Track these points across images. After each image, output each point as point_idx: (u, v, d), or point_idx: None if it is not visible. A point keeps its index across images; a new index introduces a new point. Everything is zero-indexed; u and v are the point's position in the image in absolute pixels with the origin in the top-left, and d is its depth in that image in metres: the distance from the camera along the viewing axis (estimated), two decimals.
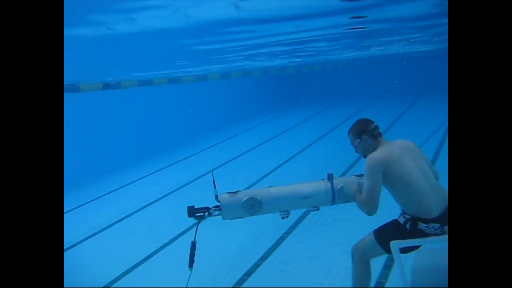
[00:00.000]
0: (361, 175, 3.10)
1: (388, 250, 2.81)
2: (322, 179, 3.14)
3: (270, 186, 3.15)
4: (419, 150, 3.01)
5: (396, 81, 18.48)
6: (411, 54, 17.08)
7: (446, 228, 2.73)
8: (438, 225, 2.72)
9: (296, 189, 3.09)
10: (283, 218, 3.12)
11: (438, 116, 11.72)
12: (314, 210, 3.17)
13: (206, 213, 3.06)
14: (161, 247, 5.51)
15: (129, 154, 11.24)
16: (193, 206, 3.06)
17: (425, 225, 2.74)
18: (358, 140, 3.02)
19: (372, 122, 3.06)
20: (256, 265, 4.69)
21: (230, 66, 11.07)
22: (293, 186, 3.12)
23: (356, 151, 3.11)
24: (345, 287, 3.42)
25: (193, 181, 8.59)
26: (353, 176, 3.15)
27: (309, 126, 13.87)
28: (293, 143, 11.08)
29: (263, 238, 5.31)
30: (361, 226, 5.31)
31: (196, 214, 3.05)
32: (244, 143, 11.96)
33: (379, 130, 3.05)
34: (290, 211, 3.11)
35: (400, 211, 2.96)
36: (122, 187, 9.11)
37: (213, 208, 3.07)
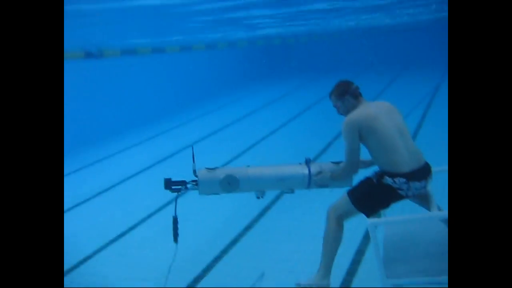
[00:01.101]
0: (338, 162, 3.16)
1: (359, 207, 2.92)
2: (300, 163, 3.17)
3: (248, 166, 3.17)
4: (397, 111, 3.09)
5: (380, 54, 18.49)
6: (396, 27, 17.07)
7: (411, 184, 2.79)
8: (404, 179, 2.78)
9: (273, 170, 3.13)
10: (258, 198, 3.18)
11: (421, 89, 11.84)
12: (289, 193, 3.25)
13: (183, 187, 3.06)
14: (145, 216, 5.54)
15: (112, 124, 11.11)
16: (170, 179, 3.05)
17: (391, 179, 2.80)
18: (341, 101, 3.09)
19: (353, 83, 3.15)
20: (241, 235, 4.76)
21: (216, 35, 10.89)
22: (271, 167, 3.16)
23: (339, 113, 3.17)
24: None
25: (177, 152, 8.57)
26: (330, 163, 3.19)
27: (294, 98, 13.85)
28: (278, 115, 11.08)
29: (247, 208, 5.36)
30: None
31: (173, 187, 3.04)
32: (229, 115, 11.92)
33: (360, 91, 3.13)
34: (266, 192, 3.14)
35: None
36: (105, 158, 9.05)
37: (190, 182, 3.07)
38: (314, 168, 3.10)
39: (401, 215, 3.16)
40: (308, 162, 3.14)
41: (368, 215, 2.93)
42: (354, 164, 2.96)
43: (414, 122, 8.45)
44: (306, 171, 3.09)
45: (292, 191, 3.22)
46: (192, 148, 3.16)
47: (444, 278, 2.57)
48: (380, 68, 16.54)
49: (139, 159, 8.52)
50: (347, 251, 4.08)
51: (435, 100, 10.58)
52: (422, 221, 3.05)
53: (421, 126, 8.30)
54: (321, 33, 17.59)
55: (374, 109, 2.99)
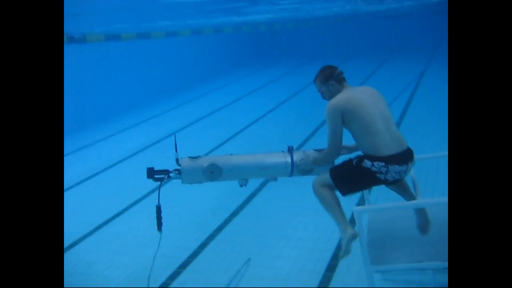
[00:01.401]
0: (320, 150, 3.18)
1: (336, 184, 2.95)
2: (283, 151, 3.19)
3: (231, 154, 3.17)
4: (381, 96, 3.11)
5: (367, 40, 18.54)
6: (382, 13, 17.09)
7: (391, 167, 2.82)
8: (383, 163, 2.81)
9: (256, 158, 3.13)
10: (241, 186, 3.18)
11: (406, 75, 11.91)
12: (272, 181, 3.26)
13: (166, 176, 3.05)
14: (132, 203, 5.52)
15: (95, 111, 10.99)
16: (152, 168, 3.04)
17: (371, 162, 2.83)
18: (325, 86, 3.12)
19: (337, 68, 3.17)
20: (227, 221, 4.77)
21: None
22: (253, 155, 3.17)
23: (324, 98, 3.18)
24: None
25: (163, 139, 8.52)
26: (312, 150, 3.21)
27: (280, 84, 13.83)
28: (264, 102, 11.07)
29: (233, 195, 5.37)
30: None
31: (155, 176, 3.03)
32: (215, 101, 11.87)
33: (344, 76, 3.15)
34: (249, 180, 3.15)
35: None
36: (91, 144, 8.97)
37: (173, 171, 3.06)
38: (296, 156, 3.12)
39: (385, 203, 3.19)
40: (290, 150, 3.16)
41: (344, 194, 2.98)
42: (336, 147, 2.98)
43: (399, 108, 8.51)
44: (289, 159, 3.11)
45: (275, 179, 3.24)
46: (175, 137, 3.14)
47: (428, 264, 2.61)
48: (367, 53, 16.58)
49: (124, 146, 8.46)
50: (332, 236, 4.12)
51: (420, 87, 10.65)
52: (406, 208, 3.07)
53: (406, 112, 8.36)
54: (308, 19, 17.52)
55: (358, 94, 3.01)
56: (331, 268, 3.68)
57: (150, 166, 3.07)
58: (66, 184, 6.50)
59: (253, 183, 5.55)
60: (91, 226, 5.04)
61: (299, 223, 4.53)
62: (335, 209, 2.96)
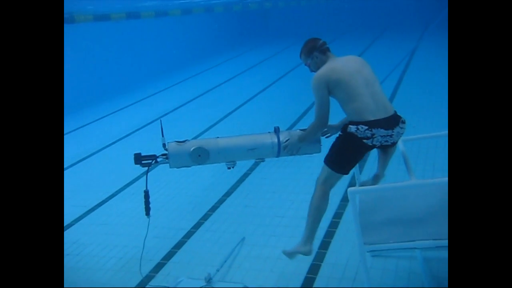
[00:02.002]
0: (305, 130, 3.21)
1: (335, 168, 3.00)
2: (269, 132, 3.21)
3: (217, 137, 3.18)
4: (365, 62, 3.15)
5: (358, 18, 18.41)
6: None
7: (375, 130, 2.84)
8: (367, 126, 2.84)
9: (243, 140, 3.15)
10: (229, 168, 3.20)
11: (398, 53, 11.88)
12: (260, 162, 3.30)
13: (153, 161, 3.06)
14: (124, 185, 5.53)
15: (88, 93, 10.89)
16: (139, 153, 3.04)
17: (355, 127, 2.86)
18: (310, 59, 3.16)
19: (320, 39, 3.21)
20: (221, 201, 4.80)
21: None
22: (240, 137, 3.18)
23: (311, 70, 3.21)
24: None
25: (155, 120, 8.48)
26: (298, 130, 3.24)
27: (272, 64, 13.75)
28: (256, 82, 11.01)
29: (227, 175, 5.38)
30: (322, 159, 5.47)
31: (143, 162, 3.04)
32: (207, 82, 11.79)
33: (327, 46, 3.19)
34: (236, 162, 3.17)
35: None
36: (83, 126, 8.92)
37: (160, 156, 3.07)
38: (282, 136, 3.15)
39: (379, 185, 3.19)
40: (276, 131, 3.18)
41: (345, 173, 3.04)
42: (323, 117, 3.03)
43: (391, 85, 8.52)
44: (276, 140, 3.13)
45: (263, 160, 3.29)
46: (161, 122, 3.14)
47: (419, 243, 2.65)
48: (359, 31, 16.46)
49: (116, 128, 8.42)
50: (325, 215, 4.16)
51: (412, 64, 10.65)
52: (399, 189, 3.09)
53: (398, 89, 8.38)
54: None
55: (341, 63, 3.06)
56: (325, 245, 3.73)
57: (140, 149, 3.08)
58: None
59: (246, 163, 5.57)
60: (85, 208, 5.06)
61: (292, 202, 4.56)
62: (314, 219, 3.08)
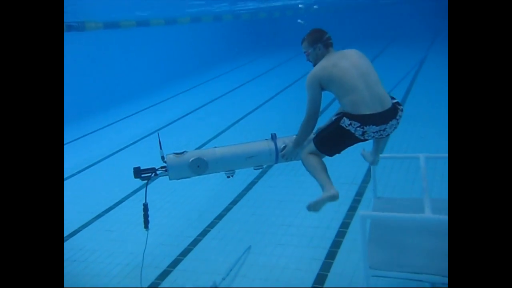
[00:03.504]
0: None
1: (322, 149, 3.02)
2: (266, 139, 3.24)
3: (215, 147, 3.20)
4: (363, 55, 3.14)
5: (367, 27, 18.43)
6: (383, 0, 16.99)
7: (367, 128, 2.83)
8: (359, 123, 2.83)
9: (241, 149, 3.17)
10: (228, 177, 3.21)
11: (406, 63, 11.87)
12: (258, 169, 3.30)
13: (153, 174, 3.07)
14: (131, 192, 5.54)
15: (96, 100, 10.96)
16: (139, 167, 3.05)
17: (348, 121, 2.85)
18: (312, 48, 3.14)
19: (326, 32, 3.21)
20: (227, 209, 4.79)
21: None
22: (237, 146, 3.21)
23: (308, 60, 3.22)
24: None
25: (162, 127, 8.52)
26: (294, 136, 3.24)
27: (279, 73, 13.78)
28: (263, 90, 11.03)
29: (233, 183, 5.38)
30: (329, 169, 5.45)
31: (142, 175, 3.05)
32: (214, 90, 11.83)
33: (331, 41, 3.18)
34: (235, 171, 3.19)
35: None
36: (90, 133, 8.97)
37: (160, 169, 3.08)
38: (279, 142, 3.18)
39: (392, 213, 3.08)
40: (273, 138, 3.21)
41: (330, 155, 3.06)
42: (314, 114, 3.06)
43: (399, 95, 8.48)
44: (273, 146, 3.16)
45: (261, 167, 3.30)
46: (158, 135, 3.15)
47: (426, 277, 2.59)
48: (367, 40, 16.47)
49: (124, 134, 8.46)
50: (331, 224, 4.15)
51: (420, 74, 10.62)
52: (413, 220, 2.94)
53: (406, 99, 8.35)
54: (307, 7, 17.40)
55: (336, 57, 3.06)
56: (331, 255, 3.71)
57: (147, 157, 3.08)
58: (67, 172, 6.52)
59: (253, 172, 5.57)
60: (92, 214, 5.07)
61: (299, 210, 4.54)
62: (320, 172, 3.01)
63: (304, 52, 3.20)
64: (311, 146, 3.06)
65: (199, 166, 3.05)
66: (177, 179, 3.12)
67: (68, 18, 9.13)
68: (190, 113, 9.63)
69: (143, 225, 4.56)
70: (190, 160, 3.03)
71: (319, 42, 3.12)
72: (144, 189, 3.12)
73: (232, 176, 3.21)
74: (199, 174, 3.10)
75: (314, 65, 3.14)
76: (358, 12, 19.08)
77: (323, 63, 3.05)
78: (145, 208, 3.08)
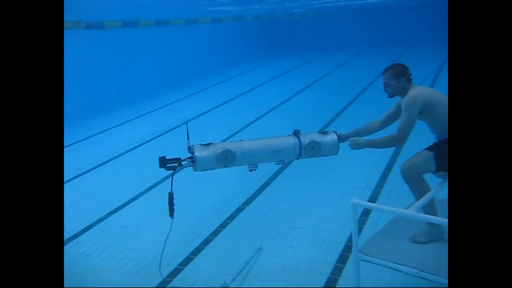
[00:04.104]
0: (324, 132, 3.29)
1: (439, 165, 3.03)
2: (290, 135, 3.27)
3: (241, 140, 3.22)
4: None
5: (385, 31, 18.28)
6: (401, 4, 16.82)
7: None
8: None
9: (267, 143, 3.20)
10: (250, 171, 3.24)
11: (425, 67, 11.73)
12: (280, 164, 3.33)
13: (178, 164, 3.07)
14: (146, 189, 5.58)
15: (115, 96, 11.08)
16: (164, 157, 3.05)
17: None
18: (395, 81, 3.29)
19: (408, 67, 3.38)
20: (240, 209, 4.80)
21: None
22: (263, 140, 3.23)
23: (385, 90, 3.35)
24: None
25: (179, 126, 8.57)
26: (316, 133, 3.30)
27: (297, 75, 13.75)
28: (281, 91, 11.03)
29: (247, 184, 5.40)
30: (343, 173, 5.44)
31: (168, 165, 3.05)
32: (231, 90, 11.86)
33: (412, 77, 3.36)
34: (258, 165, 3.21)
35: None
36: (108, 129, 9.07)
37: (186, 159, 3.08)
38: (303, 139, 3.21)
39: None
40: (297, 134, 3.24)
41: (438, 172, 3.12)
42: (405, 135, 3.13)
43: None
44: (297, 142, 3.19)
45: (283, 162, 3.32)
46: (187, 125, 3.16)
47: (427, 275, 2.61)
48: (385, 45, 16.33)
49: (140, 132, 8.53)
50: (343, 229, 4.13)
51: (439, 79, 10.50)
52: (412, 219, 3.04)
53: None
54: (327, 10, 17.32)
55: (427, 89, 3.28)
56: (342, 259, 3.69)
57: (163, 154, 3.08)
58: (81, 170, 6.60)
59: (267, 172, 5.57)
60: (107, 209, 5.12)
61: (311, 213, 4.53)
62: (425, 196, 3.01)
63: (385, 83, 3.33)
64: (428, 162, 3.07)
65: (227, 158, 3.06)
66: (202, 171, 3.12)
67: (87, 17, 9.24)
68: (206, 112, 9.67)
69: (155, 223, 4.63)
70: (219, 152, 3.04)
71: (404, 76, 3.29)
72: (163, 183, 3.14)
73: (254, 170, 3.24)
74: (225, 166, 3.11)
75: (391, 97, 3.34)
76: (377, 15, 18.91)
77: (417, 91, 3.18)
78: (171, 197, 3.08)
